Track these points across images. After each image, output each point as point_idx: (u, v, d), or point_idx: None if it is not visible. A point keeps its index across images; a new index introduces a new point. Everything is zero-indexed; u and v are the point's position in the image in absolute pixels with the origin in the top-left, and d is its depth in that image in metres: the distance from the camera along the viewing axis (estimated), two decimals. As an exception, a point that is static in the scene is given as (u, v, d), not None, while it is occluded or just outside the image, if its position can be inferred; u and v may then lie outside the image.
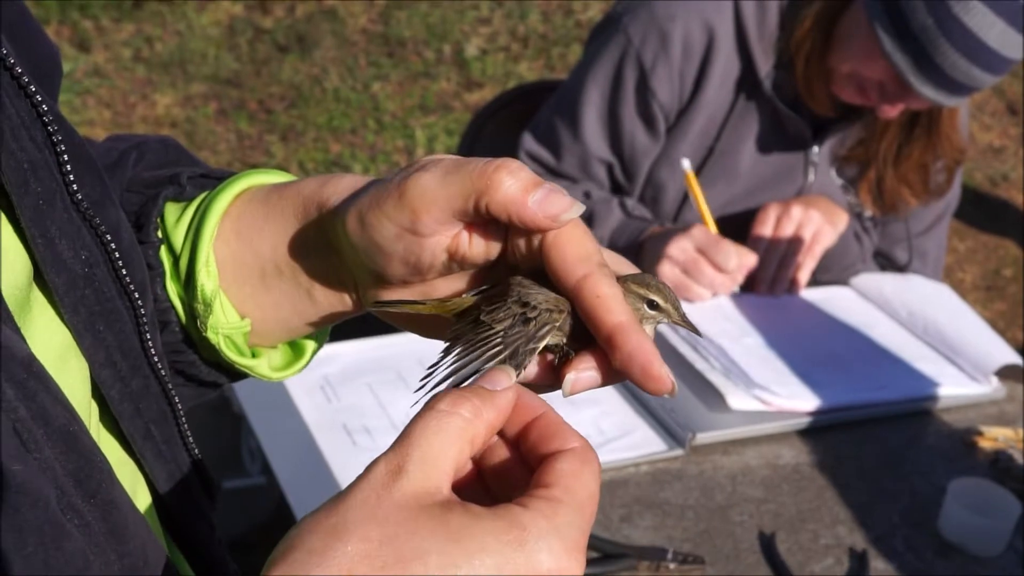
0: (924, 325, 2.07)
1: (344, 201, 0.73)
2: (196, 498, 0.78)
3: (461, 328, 0.69)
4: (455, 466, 0.59)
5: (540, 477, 0.59)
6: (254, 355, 0.84)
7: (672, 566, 1.47)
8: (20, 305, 0.61)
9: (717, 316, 2.01)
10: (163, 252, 0.81)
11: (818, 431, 1.79)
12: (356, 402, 1.73)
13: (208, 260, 0.79)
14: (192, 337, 0.83)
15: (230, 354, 0.82)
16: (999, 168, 5.16)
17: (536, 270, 0.69)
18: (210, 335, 0.80)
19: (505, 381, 0.62)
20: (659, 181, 2.21)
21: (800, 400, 1.79)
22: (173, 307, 0.81)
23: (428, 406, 0.59)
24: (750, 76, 2.11)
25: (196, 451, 0.78)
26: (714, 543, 1.53)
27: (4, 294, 0.59)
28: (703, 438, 1.70)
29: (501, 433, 0.63)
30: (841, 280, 2.24)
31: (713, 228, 2.09)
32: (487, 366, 0.65)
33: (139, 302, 0.71)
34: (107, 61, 5.10)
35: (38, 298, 0.65)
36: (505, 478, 0.62)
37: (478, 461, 0.63)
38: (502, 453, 0.63)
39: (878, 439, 1.80)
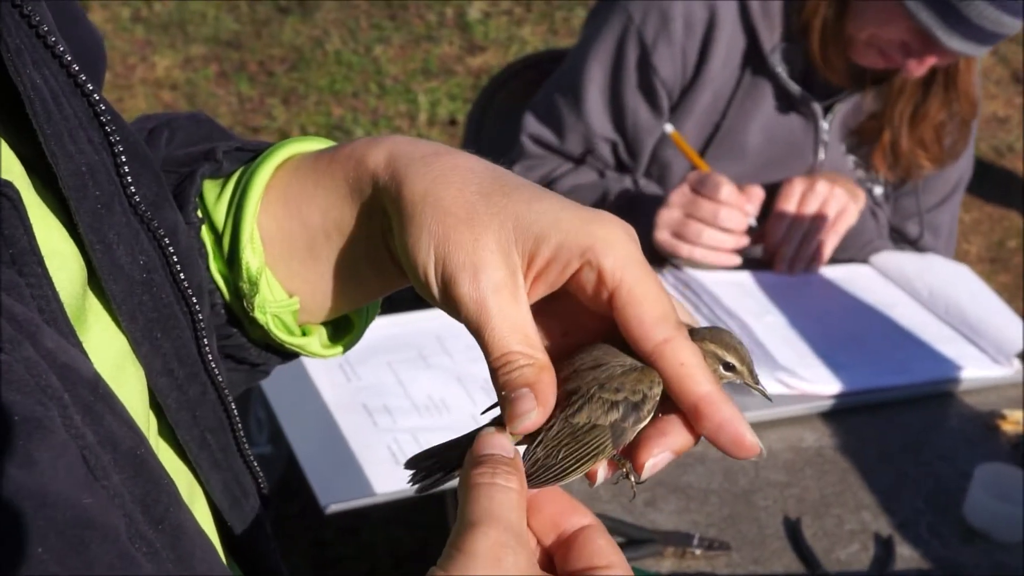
0: (945, 305, 2.05)
1: (406, 180, 0.69)
2: (252, 506, 0.76)
3: (548, 436, 0.67)
4: None
5: (583, 555, 0.62)
6: (304, 333, 0.81)
7: (698, 552, 1.46)
8: (75, 314, 0.59)
9: (738, 293, 2.00)
10: (204, 231, 0.77)
11: (840, 414, 1.78)
12: (375, 381, 1.71)
13: (252, 236, 0.76)
14: (239, 318, 0.80)
15: (279, 333, 0.79)
16: (1004, 138, 5.13)
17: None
18: (258, 314, 0.77)
19: (509, 445, 0.63)
20: (664, 159, 2.18)
21: (823, 384, 1.77)
22: (218, 287, 0.78)
23: (485, 481, 0.60)
24: (755, 51, 2.08)
25: (252, 458, 0.76)
26: (739, 528, 1.52)
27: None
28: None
29: None
30: (861, 258, 2.22)
31: (706, 170, 2.08)
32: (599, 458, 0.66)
33: (196, 307, 0.69)
34: (105, 21, 5.03)
35: (93, 305, 0.62)
36: None
37: None
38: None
39: (900, 422, 1.79)
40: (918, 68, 1.98)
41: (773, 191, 2.12)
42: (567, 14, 5.46)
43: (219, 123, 0.87)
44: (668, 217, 2.00)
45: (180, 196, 0.77)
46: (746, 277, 2.06)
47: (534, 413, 0.64)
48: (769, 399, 0.74)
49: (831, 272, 2.14)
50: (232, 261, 0.77)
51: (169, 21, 5.11)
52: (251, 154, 0.81)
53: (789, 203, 2.09)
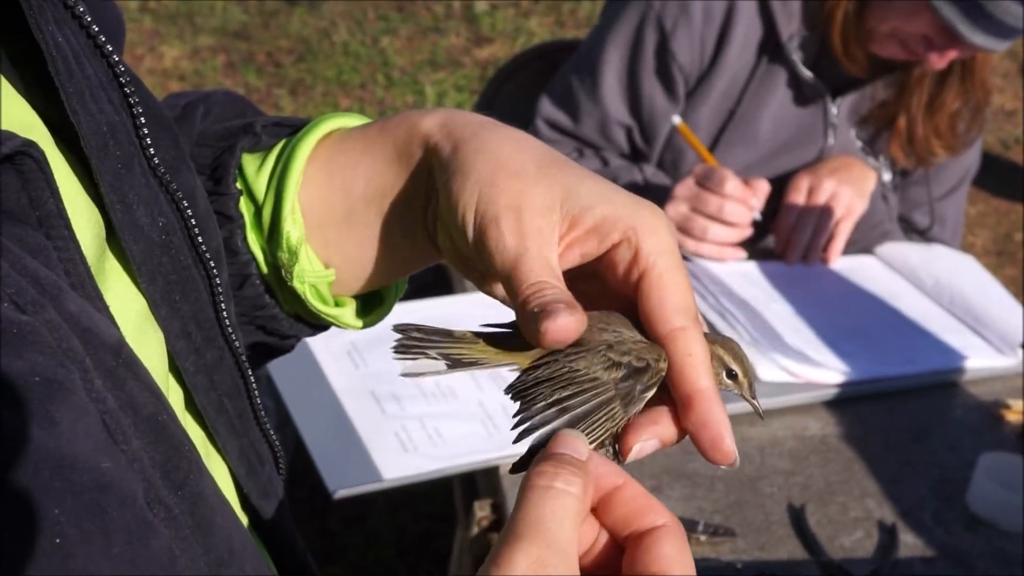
0: (950, 296, 2.06)
1: (462, 139, 0.71)
2: (269, 474, 0.76)
3: (545, 372, 0.66)
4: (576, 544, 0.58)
5: (644, 560, 0.58)
6: (338, 304, 0.83)
7: (703, 538, 1.47)
8: (96, 274, 0.59)
9: (744, 282, 2.00)
10: (243, 203, 0.79)
11: (845, 402, 1.79)
12: (383, 368, 1.72)
13: (294, 208, 0.77)
14: (273, 290, 0.82)
15: (316, 303, 0.80)
16: (1011, 131, 5.13)
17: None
18: (296, 284, 0.78)
19: (584, 448, 0.61)
20: (678, 146, 2.19)
21: (828, 372, 1.78)
22: (255, 259, 0.79)
23: (542, 484, 0.57)
24: (772, 39, 2.08)
25: (268, 425, 0.76)
26: (744, 515, 1.53)
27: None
28: (731, 408, 1.68)
29: None
30: (867, 247, 2.23)
31: (713, 163, 2.09)
32: (602, 413, 0.64)
33: (214, 271, 0.70)
34: (113, 11, 5.04)
35: (113, 266, 0.63)
36: (591, 552, 0.61)
37: None
38: (591, 528, 0.61)
39: (905, 411, 1.80)
40: (939, 61, 2.00)
41: (782, 180, 2.13)
42: (574, 5, 5.47)
43: (249, 101, 0.89)
44: (674, 212, 2.01)
45: (219, 168, 0.79)
46: (752, 267, 2.07)
47: (574, 321, 0.63)
48: (761, 417, 0.75)
49: (836, 262, 2.14)
50: (272, 232, 0.78)
51: (177, 12, 5.13)
52: (289, 129, 0.82)
53: (797, 197, 2.11)
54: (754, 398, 0.72)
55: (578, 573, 0.57)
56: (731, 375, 0.70)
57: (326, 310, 0.81)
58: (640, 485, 0.61)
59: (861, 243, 2.21)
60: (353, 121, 0.81)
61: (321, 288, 0.80)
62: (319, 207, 0.78)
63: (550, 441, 0.61)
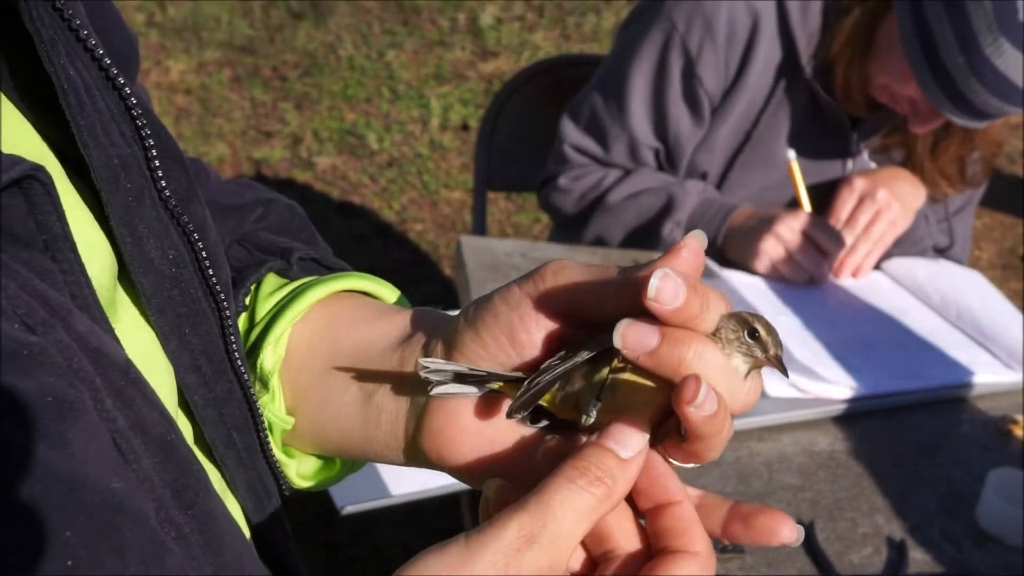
0: (957, 311, 2.06)
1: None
2: (275, 506, 0.76)
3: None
4: (578, 543, 0.59)
5: (660, 572, 0.59)
6: (288, 454, 0.80)
7: (711, 554, 1.46)
8: (107, 306, 0.60)
9: (751, 295, 2.00)
10: (242, 318, 0.79)
11: (853, 418, 1.78)
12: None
13: (280, 338, 0.76)
14: None
15: None
16: (1016, 145, 5.12)
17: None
18: None
19: (634, 444, 0.60)
20: (696, 165, 2.19)
21: (836, 388, 1.78)
22: None
23: (567, 475, 0.58)
24: (792, 62, 2.08)
25: (275, 458, 0.76)
26: (752, 531, 1.52)
27: None
28: (739, 424, 1.69)
29: (629, 498, 0.62)
30: (914, 256, 2.24)
31: (809, 209, 2.12)
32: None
33: (224, 303, 0.69)
34: (120, 26, 5.05)
35: (122, 299, 0.63)
36: (614, 541, 0.62)
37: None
38: (626, 521, 0.62)
39: (913, 426, 1.80)
40: (920, 129, 2.02)
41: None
42: (579, 19, 5.47)
43: (310, 222, 0.88)
44: (771, 247, 2.04)
45: (239, 278, 0.79)
46: (759, 281, 2.07)
47: (672, 278, 0.62)
48: (786, 375, 0.68)
49: (843, 278, 2.14)
50: (250, 353, 0.77)
51: (183, 26, 5.14)
52: (323, 269, 0.83)
53: (845, 207, 2.12)
54: (779, 360, 0.66)
55: (567, 561, 0.57)
56: (753, 334, 0.65)
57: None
58: (694, 509, 0.62)
59: (899, 257, 2.22)
60: (381, 289, 0.81)
61: (274, 431, 0.78)
62: (304, 348, 0.77)
63: (605, 427, 0.61)
